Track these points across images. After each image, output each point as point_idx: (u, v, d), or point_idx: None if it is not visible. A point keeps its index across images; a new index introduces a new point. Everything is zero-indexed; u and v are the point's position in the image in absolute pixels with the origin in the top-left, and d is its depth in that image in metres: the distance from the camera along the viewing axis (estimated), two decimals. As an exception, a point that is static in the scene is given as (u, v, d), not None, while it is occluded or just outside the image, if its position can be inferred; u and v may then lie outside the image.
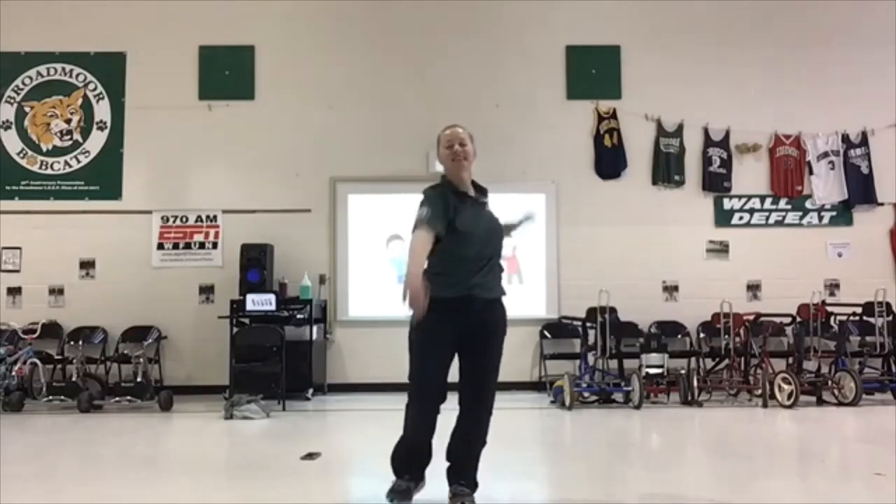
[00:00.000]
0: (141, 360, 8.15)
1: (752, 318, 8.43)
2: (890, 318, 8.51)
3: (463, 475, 3.91)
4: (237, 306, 8.57)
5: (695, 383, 7.87)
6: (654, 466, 5.32)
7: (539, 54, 9.72)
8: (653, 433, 6.80)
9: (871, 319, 8.57)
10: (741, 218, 9.72)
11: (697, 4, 9.76)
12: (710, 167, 9.73)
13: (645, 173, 9.71)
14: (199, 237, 9.49)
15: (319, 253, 9.43)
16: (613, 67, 9.72)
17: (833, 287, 9.56)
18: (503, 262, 4.12)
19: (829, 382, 7.92)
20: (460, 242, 3.83)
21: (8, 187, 9.51)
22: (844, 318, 8.56)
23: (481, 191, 4.06)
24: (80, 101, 9.63)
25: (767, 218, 9.73)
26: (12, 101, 9.61)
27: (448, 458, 3.95)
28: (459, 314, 3.82)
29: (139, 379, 8.00)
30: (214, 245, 9.48)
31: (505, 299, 4.07)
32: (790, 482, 4.84)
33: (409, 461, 3.96)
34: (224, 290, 9.14)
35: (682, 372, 8.08)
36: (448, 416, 3.94)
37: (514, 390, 8.90)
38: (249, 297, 8.48)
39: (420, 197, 3.92)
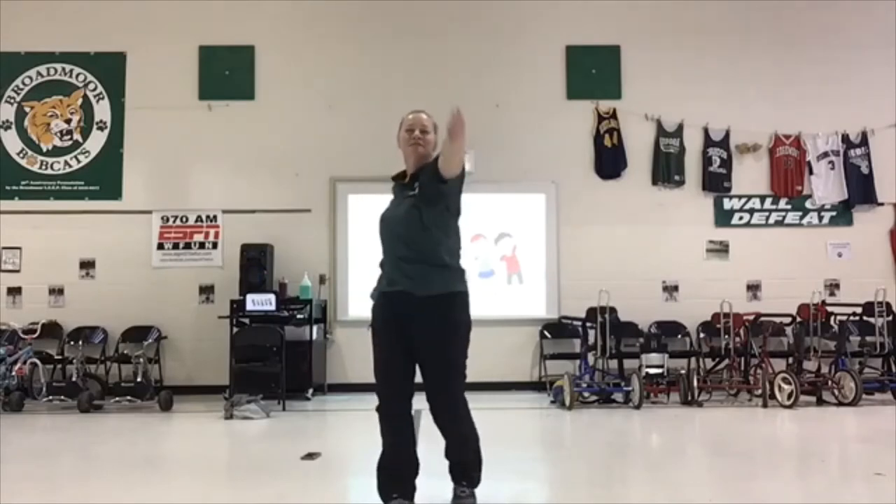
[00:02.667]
0: (141, 360, 8.15)
1: (752, 318, 8.43)
2: (890, 318, 8.51)
3: (464, 475, 3.89)
4: (237, 306, 8.56)
5: (695, 383, 7.86)
6: (654, 466, 5.31)
7: (539, 54, 9.71)
8: (653, 433, 6.80)
9: (871, 319, 8.56)
10: (741, 218, 9.72)
11: (697, 4, 9.76)
12: (710, 167, 9.73)
13: (645, 173, 9.71)
14: (199, 237, 9.49)
15: (319, 253, 9.43)
16: (613, 67, 9.72)
17: (833, 287, 9.56)
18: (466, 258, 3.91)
19: (829, 382, 7.91)
20: (382, 233, 3.86)
21: (8, 187, 9.51)
22: (844, 318, 8.54)
23: (416, 175, 3.81)
24: (80, 101, 9.63)
25: (767, 218, 9.73)
26: (12, 101, 9.61)
27: (446, 458, 3.93)
28: (396, 310, 3.73)
29: (139, 379, 8.00)
30: (214, 245, 9.48)
31: (457, 292, 3.78)
32: (790, 482, 4.84)
33: (395, 477, 3.75)
34: (224, 290, 9.14)
35: (682, 372, 8.07)
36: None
37: (514, 390, 8.92)
38: (249, 297, 8.47)
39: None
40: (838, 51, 9.70)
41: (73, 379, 8.10)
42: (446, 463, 3.91)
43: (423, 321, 3.68)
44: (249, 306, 8.44)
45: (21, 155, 9.56)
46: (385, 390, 3.77)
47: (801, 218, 9.75)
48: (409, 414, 3.81)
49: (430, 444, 3.94)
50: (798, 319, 8.58)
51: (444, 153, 3.63)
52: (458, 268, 3.84)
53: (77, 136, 9.61)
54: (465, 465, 3.88)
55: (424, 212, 3.73)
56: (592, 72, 9.75)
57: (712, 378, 8.46)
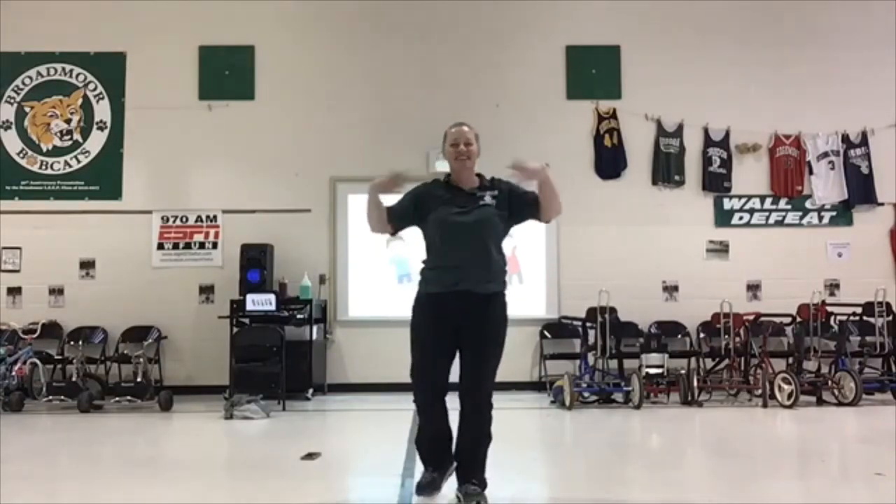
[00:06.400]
0: (141, 360, 8.14)
1: (752, 318, 8.42)
2: (890, 318, 8.52)
3: (473, 475, 3.92)
4: (237, 306, 8.56)
5: (695, 383, 7.86)
6: (654, 466, 5.32)
7: (539, 54, 9.71)
8: (653, 433, 6.80)
9: (871, 319, 8.57)
10: (741, 218, 9.72)
11: (697, 4, 9.76)
12: (710, 167, 9.73)
13: (645, 173, 9.71)
14: (199, 237, 9.49)
15: (319, 253, 9.43)
16: (613, 67, 9.72)
17: (833, 287, 9.56)
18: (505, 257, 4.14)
19: (829, 382, 7.91)
20: (440, 236, 3.97)
21: (8, 187, 9.50)
22: (844, 318, 8.54)
23: (484, 186, 4.07)
24: (80, 101, 9.63)
25: (767, 218, 9.73)
26: (12, 101, 9.60)
27: (455, 458, 3.97)
28: (450, 309, 3.91)
29: (139, 379, 8.00)
30: (214, 245, 9.48)
31: (505, 293, 4.14)
32: (790, 482, 4.84)
33: (430, 451, 4.04)
34: (224, 290, 9.13)
35: (682, 372, 8.07)
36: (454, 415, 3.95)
37: (514, 390, 8.88)
38: (249, 297, 8.47)
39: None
40: (838, 51, 9.70)
41: (73, 379, 8.09)
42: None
43: (477, 315, 3.95)
44: (249, 306, 8.44)
45: (21, 155, 9.56)
46: (426, 385, 4.00)
47: (801, 218, 9.75)
48: (444, 402, 4.03)
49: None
50: (798, 319, 8.58)
51: (551, 206, 4.00)
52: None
53: (77, 136, 9.61)
54: (473, 465, 3.95)
55: (500, 226, 4.04)
56: (592, 72, 9.75)
57: (712, 378, 8.46)
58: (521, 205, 4.03)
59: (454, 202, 3.99)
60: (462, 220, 3.93)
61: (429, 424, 4.02)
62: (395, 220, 4.07)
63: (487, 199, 3.99)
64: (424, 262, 4.08)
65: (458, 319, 3.92)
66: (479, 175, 4.09)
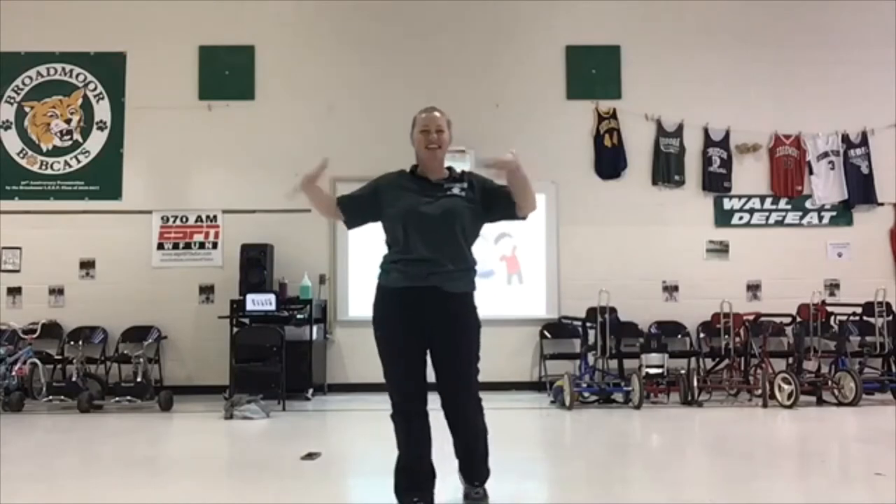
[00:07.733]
0: (141, 360, 8.15)
1: (752, 318, 8.42)
2: (890, 318, 8.51)
3: (474, 472, 3.90)
4: (237, 306, 8.57)
5: (695, 383, 7.86)
6: (654, 466, 5.32)
7: (539, 54, 9.72)
8: (653, 433, 6.80)
9: (871, 319, 8.57)
10: (741, 218, 9.72)
11: (697, 5, 9.76)
12: (710, 167, 9.73)
13: (645, 173, 9.71)
14: (199, 237, 9.49)
15: (319, 253, 9.43)
16: (613, 67, 9.72)
17: (833, 287, 9.56)
18: (475, 255, 3.83)
19: (829, 382, 7.91)
20: (405, 228, 3.67)
21: (8, 187, 9.51)
22: (844, 318, 8.55)
23: (454, 178, 3.81)
24: (80, 101, 9.63)
25: (767, 218, 9.73)
26: (12, 101, 9.61)
27: (456, 456, 3.92)
28: (418, 307, 3.64)
29: (139, 379, 8.00)
30: (214, 245, 9.49)
31: (474, 294, 3.80)
32: (790, 482, 4.84)
33: (413, 484, 3.73)
34: (224, 290, 9.14)
35: (682, 372, 8.07)
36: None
37: (514, 390, 8.91)
38: (249, 297, 8.48)
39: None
40: (838, 51, 9.69)
41: (73, 379, 8.09)
42: (443, 464, 3.92)
43: (446, 317, 3.66)
44: (249, 306, 8.45)
45: (21, 155, 9.56)
46: (406, 389, 3.75)
47: (801, 218, 9.75)
48: (427, 413, 3.75)
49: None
50: (798, 319, 8.58)
51: (525, 197, 3.70)
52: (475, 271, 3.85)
53: (77, 136, 9.61)
54: (474, 461, 3.89)
55: (469, 217, 3.74)
56: (592, 72, 9.75)
57: (712, 378, 8.46)
58: (495, 199, 3.75)
59: (420, 192, 3.70)
60: (429, 211, 3.65)
61: (411, 435, 3.72)
62: (348, 215, 3.85)
63: (456, 189, 3.72)
64: (386, 256, 3.80)
65: (426, 317, 3.63)
66: (448, 168, 3.84)
